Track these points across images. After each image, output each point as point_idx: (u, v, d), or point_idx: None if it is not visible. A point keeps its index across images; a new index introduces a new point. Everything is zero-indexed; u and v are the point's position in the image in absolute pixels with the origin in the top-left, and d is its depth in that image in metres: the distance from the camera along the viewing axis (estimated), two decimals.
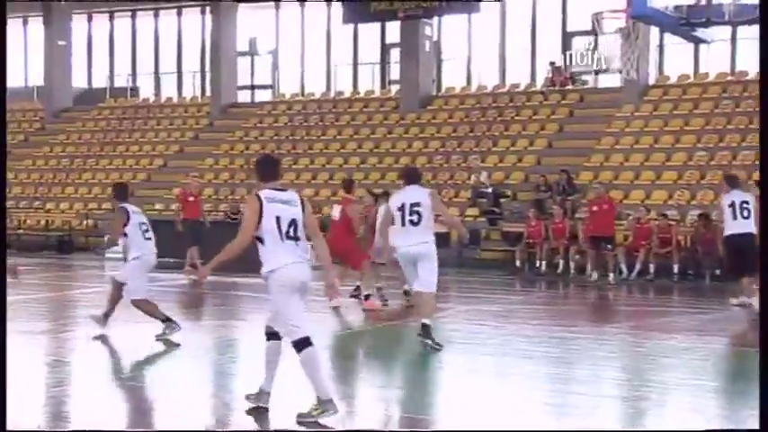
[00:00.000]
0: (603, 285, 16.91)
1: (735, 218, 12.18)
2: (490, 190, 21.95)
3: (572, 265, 18.54)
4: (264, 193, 6.49)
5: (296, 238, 6.46)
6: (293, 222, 6.47)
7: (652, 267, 17.83)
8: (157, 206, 25.41)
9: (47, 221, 25.64)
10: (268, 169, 6.67)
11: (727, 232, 12.32)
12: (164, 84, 32.96)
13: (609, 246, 17.57)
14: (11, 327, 10.09)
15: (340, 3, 26.03)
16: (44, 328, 11.32)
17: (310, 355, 6.33)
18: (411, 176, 10.09)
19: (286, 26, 30.62)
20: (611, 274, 17.22)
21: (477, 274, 18.53)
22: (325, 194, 24.03)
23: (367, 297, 13.03)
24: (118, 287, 10.38)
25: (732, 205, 12.23)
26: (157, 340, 9.90)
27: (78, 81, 33.07)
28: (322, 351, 6.60)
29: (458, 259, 19.05)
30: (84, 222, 25.26)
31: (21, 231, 25.51)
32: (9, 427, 5.78)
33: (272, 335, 6.61)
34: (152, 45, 32.88)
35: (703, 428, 6.23)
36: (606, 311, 14.60)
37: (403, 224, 9.66)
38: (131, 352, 9.60)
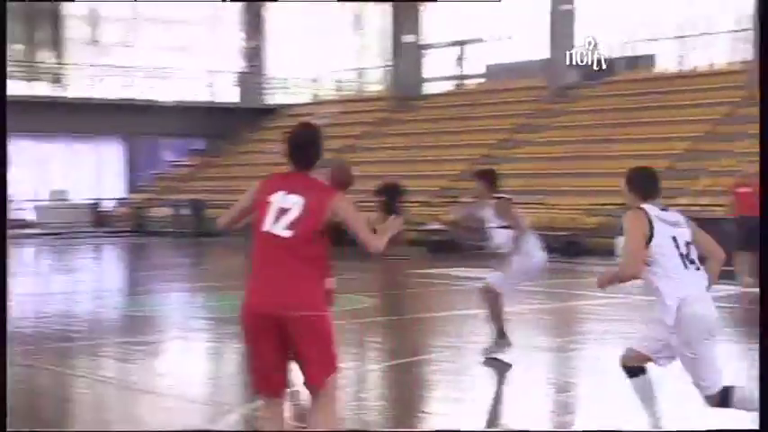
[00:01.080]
0: None
1: None
2: None
3: None
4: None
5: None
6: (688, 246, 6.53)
7: None
8: (682, 200, 24.96)
9: (550, 219, 26.33)
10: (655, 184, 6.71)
11: None
12: (691, 50, 32.41)
13: None
14: (515, 341, 10.40)
15: None
16: (550, 345, 11.49)
17: None
18: None
19: None
20: None
21: None
22: None
23: None
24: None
25: None
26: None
27: (587, 52, 33.74)
28: None
29: None
30: (592, 219, 25.61)
31: None
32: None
33: (636, 369, 6.64)
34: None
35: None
36: None
37: None
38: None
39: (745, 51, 29.64)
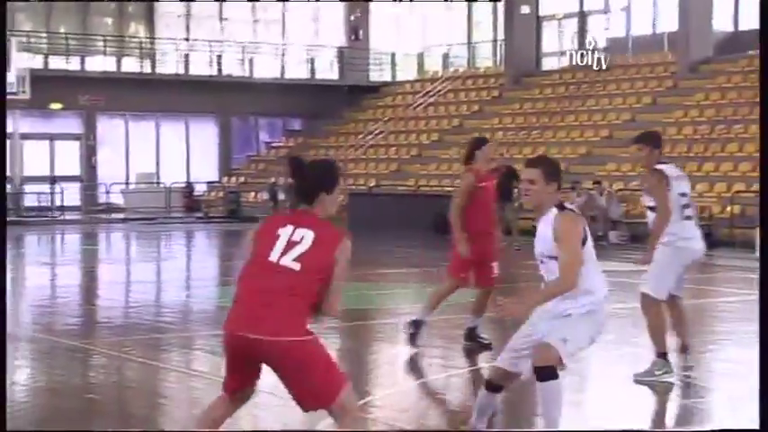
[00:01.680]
0: None
1: None
2: None
3: None
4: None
5: None
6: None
7: None
8: None
9: None
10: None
11: None
12: None
13: None
14: (642, 341, 10.29)
15: None
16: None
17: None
18: None
19: None
20: None
21: None
22: None
23: None
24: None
25: None
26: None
27: (722, 23, 33.19)
28: None
29: None
30: (728, 209, 25.20)
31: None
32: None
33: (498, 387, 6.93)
34: None
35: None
36: None
37: None
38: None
39: None
